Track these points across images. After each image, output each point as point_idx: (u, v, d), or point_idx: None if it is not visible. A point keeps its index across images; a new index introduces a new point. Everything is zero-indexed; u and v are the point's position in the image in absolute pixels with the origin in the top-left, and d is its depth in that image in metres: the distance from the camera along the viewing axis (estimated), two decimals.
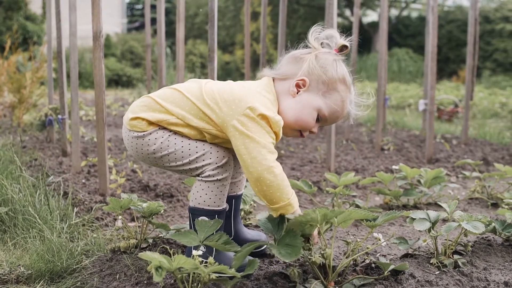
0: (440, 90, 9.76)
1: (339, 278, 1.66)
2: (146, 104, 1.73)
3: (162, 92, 1.76)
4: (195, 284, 1.49)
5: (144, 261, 1.80)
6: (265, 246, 1.90)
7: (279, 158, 3.73)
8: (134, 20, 21.45)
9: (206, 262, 1.47)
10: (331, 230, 2.13)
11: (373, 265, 1.76)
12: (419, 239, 1.89)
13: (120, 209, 1.96)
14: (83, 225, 2.26)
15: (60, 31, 3.50)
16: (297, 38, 1.82)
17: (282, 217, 1.66)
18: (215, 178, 1.67)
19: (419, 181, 2.81)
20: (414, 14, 18.21)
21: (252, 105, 1.61)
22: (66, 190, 2.68)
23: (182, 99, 1.70)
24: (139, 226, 2.08)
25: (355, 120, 1.86)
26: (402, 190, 2.71)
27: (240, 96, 1.65)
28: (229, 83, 1.78)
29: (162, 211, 2.04)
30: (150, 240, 2.02)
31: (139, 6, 21.95)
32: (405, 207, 2.73)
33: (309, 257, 1.62)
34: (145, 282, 1.66)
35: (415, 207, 2.73)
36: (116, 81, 12.53)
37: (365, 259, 1.80)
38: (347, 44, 1.76)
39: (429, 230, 1.81)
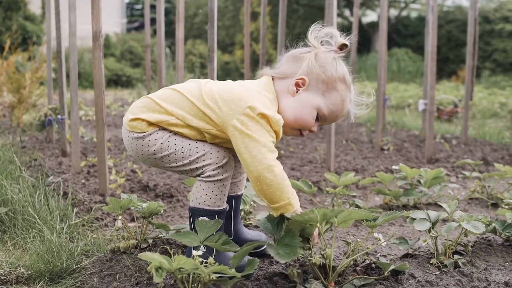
0: (439, 90, 9.76)
1: (339, 278, 1.66)
2: (146, 105, 1.73)
3: (162, 92, 1.76)
4: (195, 284, 1.49)
5: (144, 261, 1.80)
6: (264, 246, 1.90)
7: (279, 158, 3.72)
8: (134, 20, 21.45)
9: (206, 263, 1.47)
10: (331, 230, 2.13)
11: (373, 265, 1.76)
12: (419, 239, 1.89)
13: (120, 209, 1.96)
14: (83, 225, 2.26)
15: (59, 31, 3.50)
16: (296, 38, 1.81)
17: (281, 217, 1.66)
18: (215, 178, 1.67)
19: (419, 181, 2.81)
20: (414, 14, 18.22)
21: (252, 105, 1.61)
22: (66, 190, 2.68)
23: (181, 99, 1.70)
24: (139, 227, 2.08)
25: (355, 118, 1.85)
26: (402, 190, 2.70)
27: (239, 95, 1.65)
28: (229, 82, 1.78)
29: (162, 211, 2.03)
30: (150, 241, 2.02)
31: (139, 6, 21.96)
32: (405, 207, 2.73)
33: (309, 257, 1.62)
34: (145, 282, 1.65)
35: (415, 207, 2.73)
36: (116, 81, 12.53)
37: (365, 259, 1.80)
38: (347, 42, 1.75)
39: (429, 230, 1.81)
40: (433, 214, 1.84)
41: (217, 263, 1.45)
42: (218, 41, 2.60)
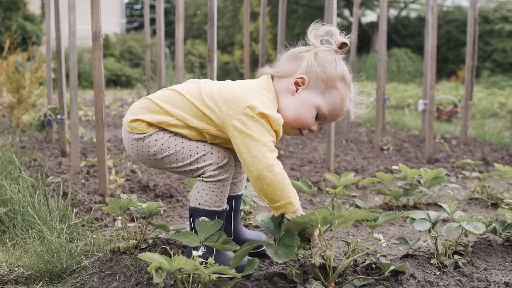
0: (439, 90, 9.77)
1: (340, 279, 1.66)
2: (145, 106, 1.72)
3: (161, 93, 1.75)
4: (195, 285, 1.48)
5: (144, 261, 1.80)
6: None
7: (279, 158, 3.72)
8: (133, 20, 21.45)
9: (206, 263, 1.47)
10: (331, 230, 2.13)
11: (373, 265, 1.76)
12: (419, 239, 1.89)
13: (120, 209, 1.95)
14: (83, 225, 2.25)
15: (59, 31, 3.49)
16: (296, 38, 1.81)
17: (283, 217, 1.65)
18: (216, 179, 1.67)
19: (419, 181, 2.80)
20: (413, 14, 18.23)
21: (252, 104, 1.61)
22: (66, 191, 2.68)
23: (181, 100, 1.70)
24: (138, 227, 2.08)
25: (355, 117, 1.85)
26: (402, 190, 2.70)
27: (239, 95, 1.64)
28: (228, 82, 1.78)
29: (162, 211, 2.03)
30: (150, 241, 2.02)
31: (138, 6, 21.96)
32: (405, 207, 2.73)
33: (309, 258, 1.62)
34: (145, 283, 1.65)
35: (415, 207, 2.73)
36: (115, 81, 12.53)
37: (365, 260, 1.80)
38: (347, 41, 1.75)
39: (430, 231, 1.81)
40: (433, 214, 1.84)
41: (217, 264, 1.45)
42: (217, 41, 2.60)
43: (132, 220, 2.36)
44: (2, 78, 5.33)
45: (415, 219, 1.82)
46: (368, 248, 1.73)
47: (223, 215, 1.73)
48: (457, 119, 6.81)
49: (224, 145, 1.71)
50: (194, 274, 1.47)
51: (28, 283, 1.77)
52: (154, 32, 12.10)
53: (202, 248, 1.61)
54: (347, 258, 1.68)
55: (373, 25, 16.69)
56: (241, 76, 13.08)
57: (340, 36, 1.75)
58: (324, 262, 1.62)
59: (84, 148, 4.01)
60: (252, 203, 2.39)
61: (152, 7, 12.67)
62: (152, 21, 9.20)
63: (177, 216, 2.52)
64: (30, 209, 2.22)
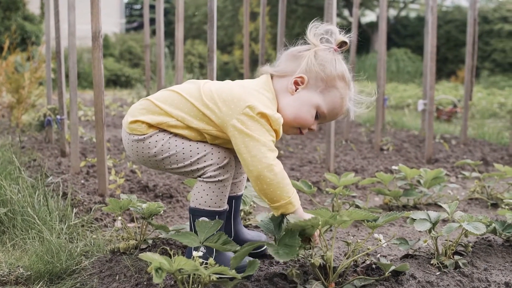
0: (438, 90, 9.77)
1: (340, 279, 1.66)
2: (145, 107, 1.72)
3: (161, 94, 1.75)
4: (195, 285, 1.48)
5: (143, 262, 1.80)
6: (264, 246, 1.89)
7: (279, 158, 3.72)
8: (133, 20, 21.45)
9: (206, 263, 1.47)
10: (331, 230, 2.13)
11: (373, 266, 1.75)
12: (419, 239, 1.89)
13: (120, 210, 1.95)
14: (82, 226, 2.25)
15: (58, 31, 3.49)
16: (295, 39, 1.81)
17: (283, 217, 1.65)
18: (216, 179, 1.66)
19: (418, 182, 2.80)
20: (413, 14, 18.23)
21: (251, 104, 1.61)
22: (65, 191, 2.67)
23: (181, 100, 1.70)
24: (138, 227, 2.08)
25: (355, 117, 1.85)
26: (401, 190, 2.70)
27: (239, 95, 1.64)
28: (228, 82, 1.78)
29: (162, 212, 2.03)
30: (150, 241, 2.01)
31: (137, 6, 21.95)
32: (405, 207, 2.73)
33: (309, 258, 1.62)
34: (145, 283, 1.65)
35: (415, 207, 2.73)
36: (115, 81, 12.52)
37: (365, 260, 1.79)
38: (347, 40, 1.75)
39: (430, 231, 1.81)
40: (433, 214, 1.83)
41: (217, 264, 1.45)
42: (217, 41, 2.60)
43: (132, 221, 2.36)
44: (1, 78, 5.33)
45: (415, 219, 1.82)
46: (368, 249, 1.72)
47: (224, 215, 1.73)
48: (456, 119, 6.82)
49: (225, 145, 1.71)
50: (194, 274, 1.46)
51: (27, 283, 1.77)
52: (153, 32, 12.11)
53: (202, 249, 1.60)
54: (347, 258, 1.68)
55: (373, 25, 16.69)
56: (240, 76, 13.08)
57: (339, 34, 1.75)
58: (324, 262, 1.62)
59: (83, 148, 4.01)
60: (252, 203, 2.39)
61: (152, 7, 12.68)
62: (152, 21, 9.21)
63: (177, 216, 2.52)
64: (29, 209, 2.21)
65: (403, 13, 18.04)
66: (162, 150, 1.68)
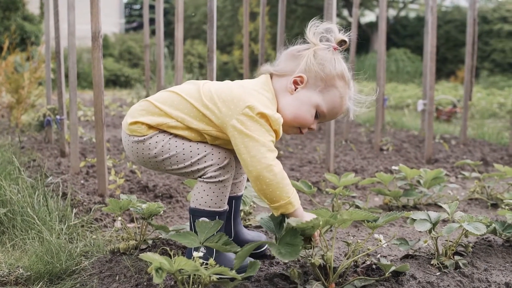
0: (438, 90, 9.77)
1: (340, 279, 1.65)
2: (145, 108, 1.72)
3: (160, 95, 1.75)
4: (195, 285, 1.48)
5: (143, 262, 1.79)
6: (265, 246, 1.89)
7: (278, 159, 3.72)
8: (132, 20, 21.44)
9: (206, 264, 1.46)
10: (331, 231, 2.13)
11: (373, 266, 1.75)
12: (419, 240, 1.89)
13: (119, 210, 1.95)
14: (82, 226, 2.25)
15: (58, 31, 3.49)
16: (295, 39, 1.80)
17: (284, 216, 1.65)
18: (217, 179, 1.66)
19: (418, 182, 2.80)
20: (412, 14, 18.22)
21: (251, 104, 1.61)
22: (65, 191, 2.67)
23: (180, 101, 1.69)
24: (138, 227, 2.08)
25: (355, 116, 1.85)
26: (401, 190, 2.70)
27: (238, 95, 1.64)
28: (227, 83, 1.77)
29: (162, 212, 2.02)
30: (150, 241, 2.01)
31: (137, 6, 21.95)
32: (404, 207, 2.73)
33: (309, 258, 1.62)
34: (145, 283, 1.65)
35: (415, 207, 2.73)
36: (114, 81, 12.52)
37: (365, 260, 1.79)
38: (346, 38, 1.74)
39: (430, 231, 1.81)
40: (433, 215, 1.83)
41: (217, 265, 1.44)
42: (216, 41, 2.58)
43: (131, 221, 2.35)
44: (1, 78, 5.32)
45: (416, 219, 1.81)
46: (368, 249, 1.72)
47: (224, 215, 1.72)
48: (456, 119, 6.81)
49: (225, 146, 1.71)
50: (195, 275, 1.46)
51: (27, 284, 1.77)
52: (153, 32, 12.11)
53: (202, 249, 1.60)
54: (347, 258, 1.68)
55: (372, 25, 16.69)
56: (240, 76, 13.08)
57: (339, 33, 1.75)
58: (325, 262, 1.62)
59: (83, 149, 4.01)
60: (252, 203, 2.39)
61: (151, 7, 12.67)
62: (151, 21, 9.20)
63: (176, 216, 2.52)
64: (29, 209, 2.21)
65: (402, 13, 18.04)
66: (162, 151, 1.68)
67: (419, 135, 5.22)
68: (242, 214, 2.34)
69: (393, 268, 1.66)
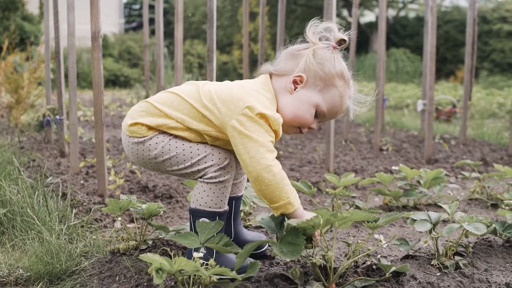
0: (437, 90, 9.77)
1: (340, 280, 1.65)
2: (145, 109, 1.72)
3: (160, 96, 1.75)
4: (196, 286, 1.48)
5: (144, 263, 1.79)
6: (265, 246, 1.89)
7: (278, 159, 3.72)
8: (131, 20, 21.44)
9: (207, 264, 1.46)
10: (331, 231, 2.12)
11: (374, 266, 1.75)
12: (419, 240, 1.89)
13: (119, 210, 1.95)
14: (82, 226, 2.25)
15: (58, 31, 3.49)
16: (295, 38, 1.80)
17: (284, 216, 1.65)
18: (217, 180, 1.66)
19: (418, 182, 2.80)
20: (412, 15, 18.23)
21: (251, 104, 1.60)
22: (65, 191, 2.67)
23: (180, 102, 1.69)
24: (138, 228, 2.07)
25: (354, 116, 1.84)
26: (401, 190, 2.70)
27: (238, 95, 1.64)
28: (227, 83, 1.77)
29: (161, 212, 2.02)
30: (150, 242, 2.01)
31: (137, 6, 21.94)
32: (404, 207, 2.73)
33: (310, 258, 1.62)
34: (145, 284, 1.65)
35: (415, 208, 2.73)
36: (114, 81, 12.51)
37: (366, 261, 1.79)
38: (345, 37, 1.74)
39: (430, 231, 1.81)
40: (434, 215, 1.83)
41: (218, 265, 1.44)
42: (216, 41, 2.58)
43: (131, 221, 2.35)
44: (0, 79, 5.32)
45: (416, 220, 1.81)
46: (368, 249, 1.72)
47: (224, 216, 1.72)
48: (456, 119, 6.82)
49: (225, 146, 1.71)
50: (195, 275, 1.46)
51: (27, 284, 1.77)
52: (152, 32, 12.10)
53: (202, 250, 1.60)
54: (347, 259, 1.67)
55: (372, 25, 16.69)
56: (239, 76, 13.08)
57: (338, 32, 1.74)
58: (325, 263, 1.62)
59: (83, 149, 4.01)
60: (252, 204, 2.38)
61: (151, 7, 12.67)
62: (151, 21, 9.20)
63: (176, 217, 2.52)
64: (29, 210, 2.21)
65: (402, 13, 18.04)
66: (162, 152, 1.68)
67: (418, 135, 5.22)
68: (242, 214, 2.34)
69: (393, 268, 1.66)
